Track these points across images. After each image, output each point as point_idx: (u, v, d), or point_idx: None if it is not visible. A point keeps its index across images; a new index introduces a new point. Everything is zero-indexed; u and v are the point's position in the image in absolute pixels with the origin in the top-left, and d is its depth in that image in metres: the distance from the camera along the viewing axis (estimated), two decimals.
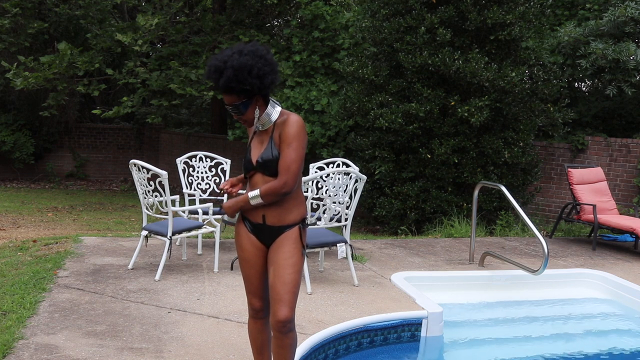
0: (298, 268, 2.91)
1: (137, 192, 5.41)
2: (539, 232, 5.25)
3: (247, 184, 3.01)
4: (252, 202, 2.89)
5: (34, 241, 6.49)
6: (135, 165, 5.20)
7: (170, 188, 5.08)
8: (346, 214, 5.21)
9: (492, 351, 4.70)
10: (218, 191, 3.23)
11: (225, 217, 5.32)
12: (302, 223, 2.97)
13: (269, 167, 2.87)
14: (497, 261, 6.23)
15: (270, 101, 2.91)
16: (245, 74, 2.75)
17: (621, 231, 7.57)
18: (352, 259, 5.48)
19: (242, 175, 3.10)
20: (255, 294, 3.03)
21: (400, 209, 8.55)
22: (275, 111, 2.91)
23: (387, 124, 8.26)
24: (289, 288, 2.87)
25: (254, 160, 2.93)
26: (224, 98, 2.87)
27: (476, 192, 6.24)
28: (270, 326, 2.97)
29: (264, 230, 2.95)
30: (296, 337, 2.97)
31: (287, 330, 2.88)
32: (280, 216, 2.92)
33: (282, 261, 2.89)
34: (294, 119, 2.87)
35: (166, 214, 5.14)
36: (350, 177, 5.14)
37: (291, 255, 2.91)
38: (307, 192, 5.37)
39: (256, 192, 2.88)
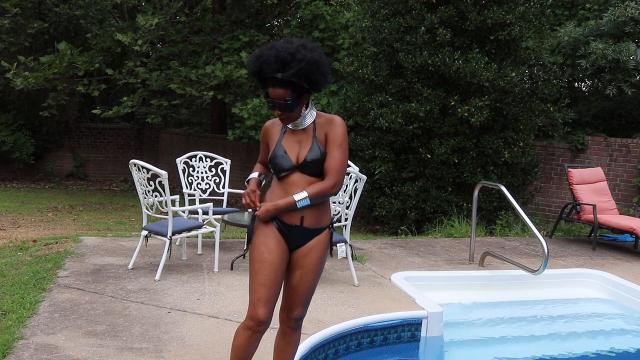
0: (321, 270, 2.92)
1: (137, 192, 5.40)
2: (539, 232, 5.25)
3: (276, 183, 2.86)
4: (300, 205, 2.74)
5: (34, 241, 6.48)
6: (135, 165, 5.20)
7: (170, 188, 5.08)
8: (346, 214, 5.22)
9: (492, 351, 4.69)
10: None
11: (226, 217, 5.34)
12: (331, 225, 2.93)
13: (314, 167, 2.77)
14: (497, 261, 6.23)
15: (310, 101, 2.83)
16: (315, 70, 2.65)
17: (621, 231, 7.58)
18: (352, 259, 5.48)
19: (256, 177, 2.95)
20: (267, 302, 2.75)
21: (400, 209, 8.55)
22: (313, 111, 2.84)
23: (387, 124, 8.26)
24: (311, 291, 2.90)
25: (294, 159, 2.79)
26: (273, 92, 2.67)
27: (476, 192, 6.24)
28: (259, 341, 2.83)
29: (298, 232, 2.81)
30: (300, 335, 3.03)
31: (298, 327, 2.95)
32: (318, 218, 2.83)
33: (312, 266, 2.85)
34: (340, 120, 2.81)
35: (166, 214, 5.14)
36: (350, 177, 5.15)
37: (320, 261, 2.88)
38: None
39: (303, 194, 2.73)
